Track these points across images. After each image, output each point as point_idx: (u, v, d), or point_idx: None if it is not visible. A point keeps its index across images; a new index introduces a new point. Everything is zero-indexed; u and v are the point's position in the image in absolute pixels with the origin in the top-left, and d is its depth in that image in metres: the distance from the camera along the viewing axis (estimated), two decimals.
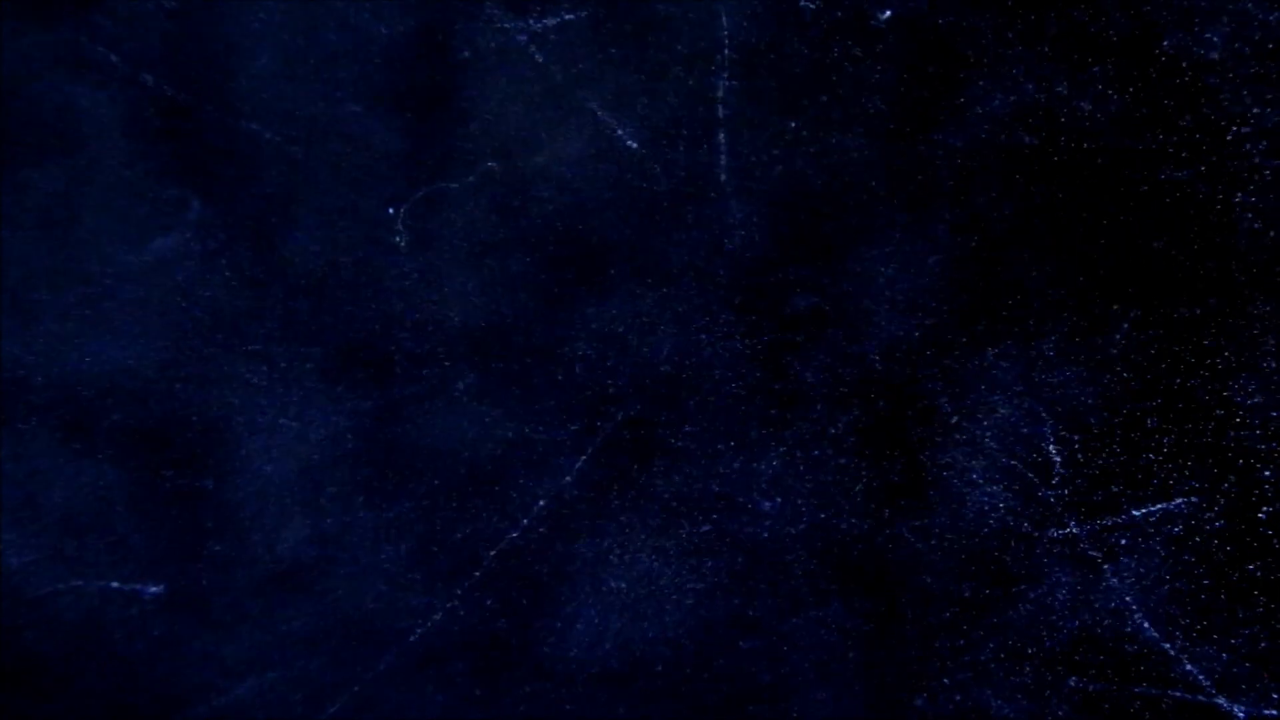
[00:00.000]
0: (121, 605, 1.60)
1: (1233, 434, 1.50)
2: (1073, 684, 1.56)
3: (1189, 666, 1.53)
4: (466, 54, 1.53)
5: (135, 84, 1.54)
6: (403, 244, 1.56)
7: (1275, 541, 1.51)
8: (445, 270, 1.58)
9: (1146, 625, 1.53)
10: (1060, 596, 1.54)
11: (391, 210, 1.55)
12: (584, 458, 1.59)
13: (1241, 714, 1.49)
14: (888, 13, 1.47)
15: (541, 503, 1.60)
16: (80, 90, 1.54)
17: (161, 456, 1.58)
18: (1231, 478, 1.51)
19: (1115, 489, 1.53)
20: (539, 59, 1.54)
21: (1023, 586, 1.55)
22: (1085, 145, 1.50)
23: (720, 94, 1.53)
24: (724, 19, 1.53)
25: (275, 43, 1.54)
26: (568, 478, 1.60)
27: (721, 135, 1.54)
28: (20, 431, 1.56)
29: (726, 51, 1.53)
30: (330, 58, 1.55)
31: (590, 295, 1.58)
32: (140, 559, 1.60)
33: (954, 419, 1.55)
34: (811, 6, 1.48)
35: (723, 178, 1.55)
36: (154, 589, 1.60)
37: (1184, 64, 1.47)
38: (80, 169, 1.55)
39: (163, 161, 1.55)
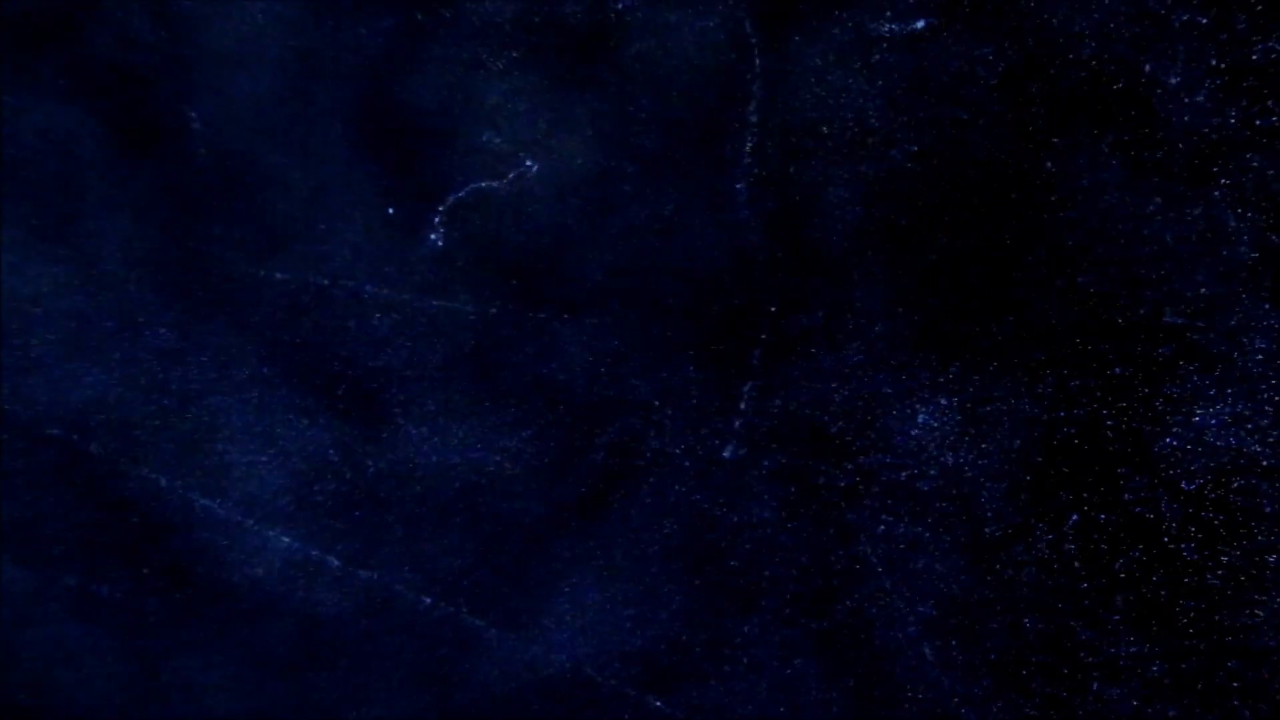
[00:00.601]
0: (109, 619, 1.65)
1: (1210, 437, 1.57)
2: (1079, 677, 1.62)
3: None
4: (489, 61, 1.53)
5: (136, 104, 1.56)
6: (440, 241, 1.57)
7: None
8: (441, 289, 1.58)
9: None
10: (1064, 592, 1.59)
11: (392, 210, 1.57)
12: (583, 467, 1.60)
13: None
14: (922, 22, 1.44)
15: (542, 509, 1.60)
16: (72, 113, 1.56)
17: (150, 474, 1.62)
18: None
19: (1113, 487, 1.57)
20: (560, 68, 1.53)
21: (1026, 585, 1.60)
22: (1083, 162, 1.50)
23: (752, 106, 1.51)
24: (751, 34, 1.49)
25: (270, 58, 1.55)
26: (566, 487, 1.60)
27: (748, 146, 1.52)
28: (9, 451, 1.60)
29: (758, 63, 1.49)
30: (334, 74, 1.55)
31: (594, 305, 1.57)
32: (126, 576, 1.63)
33: (959, 421, 1.56)
34: (838, 28, 1.46)
35: (738, 185, 1.52)
36: (139, 605, 1.64)
37: (1168, 108, 1.47)
38: (71, 191, 1.57)
39: (160, 181, 1.57)
